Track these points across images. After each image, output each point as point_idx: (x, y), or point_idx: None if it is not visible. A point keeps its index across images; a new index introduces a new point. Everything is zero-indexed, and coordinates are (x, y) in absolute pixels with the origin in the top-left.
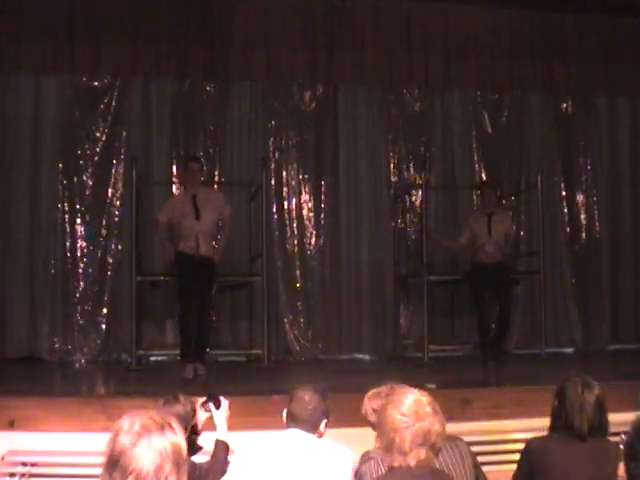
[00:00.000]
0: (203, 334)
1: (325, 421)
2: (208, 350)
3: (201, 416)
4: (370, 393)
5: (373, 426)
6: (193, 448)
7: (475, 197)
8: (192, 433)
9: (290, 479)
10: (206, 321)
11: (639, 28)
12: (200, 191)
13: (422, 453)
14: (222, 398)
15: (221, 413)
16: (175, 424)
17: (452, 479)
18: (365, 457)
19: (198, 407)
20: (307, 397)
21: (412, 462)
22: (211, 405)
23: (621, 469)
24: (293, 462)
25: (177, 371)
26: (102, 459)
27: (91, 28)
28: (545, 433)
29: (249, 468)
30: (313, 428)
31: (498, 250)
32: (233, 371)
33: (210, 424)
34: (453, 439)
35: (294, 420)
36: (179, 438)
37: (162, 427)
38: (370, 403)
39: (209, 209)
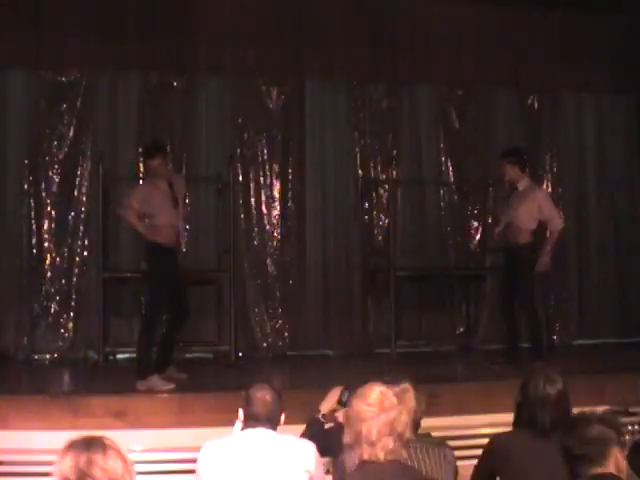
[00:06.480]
0: (175, 335)
1: (284, 415)
2: None
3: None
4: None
5: None
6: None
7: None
8: None
9: (257, 477)
10: (185, 321)
11: (604, 25)
12: (174, 179)
13: (390, 443)
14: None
15: None
16: (117, 445)
17: (421, 475)
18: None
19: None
20: (268, 397)
21: (380, 453)
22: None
23: None
24: (259, 460)
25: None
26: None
27: (58, 22)
28: (510, 428)
29: (216, 469)
30: (274, 425)
31: (519, 231)
32: (200, 368)
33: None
34: (441, 444)
35: (257, 420)
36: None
37: (104, 448)
38: None
39: (182, 197)
